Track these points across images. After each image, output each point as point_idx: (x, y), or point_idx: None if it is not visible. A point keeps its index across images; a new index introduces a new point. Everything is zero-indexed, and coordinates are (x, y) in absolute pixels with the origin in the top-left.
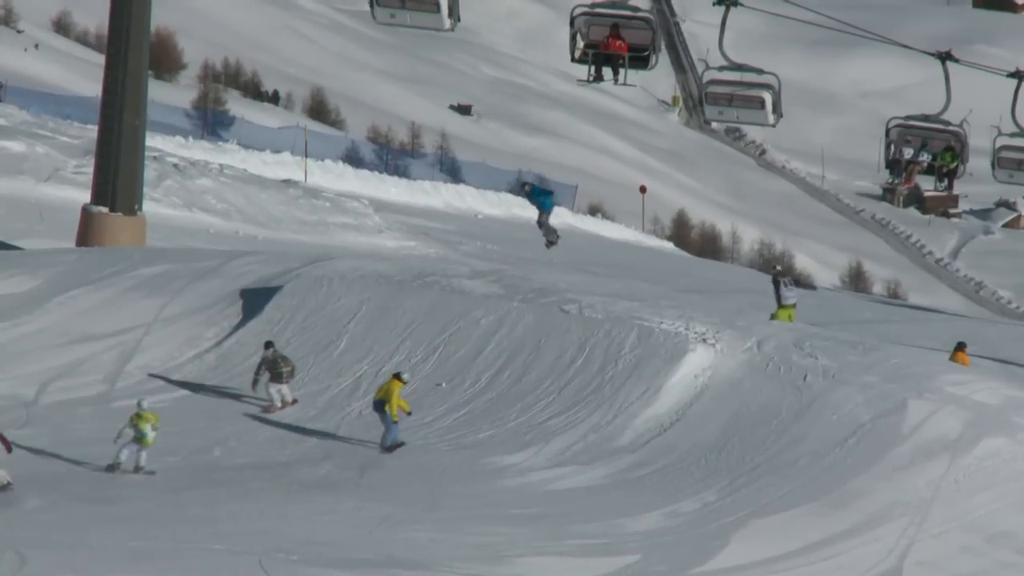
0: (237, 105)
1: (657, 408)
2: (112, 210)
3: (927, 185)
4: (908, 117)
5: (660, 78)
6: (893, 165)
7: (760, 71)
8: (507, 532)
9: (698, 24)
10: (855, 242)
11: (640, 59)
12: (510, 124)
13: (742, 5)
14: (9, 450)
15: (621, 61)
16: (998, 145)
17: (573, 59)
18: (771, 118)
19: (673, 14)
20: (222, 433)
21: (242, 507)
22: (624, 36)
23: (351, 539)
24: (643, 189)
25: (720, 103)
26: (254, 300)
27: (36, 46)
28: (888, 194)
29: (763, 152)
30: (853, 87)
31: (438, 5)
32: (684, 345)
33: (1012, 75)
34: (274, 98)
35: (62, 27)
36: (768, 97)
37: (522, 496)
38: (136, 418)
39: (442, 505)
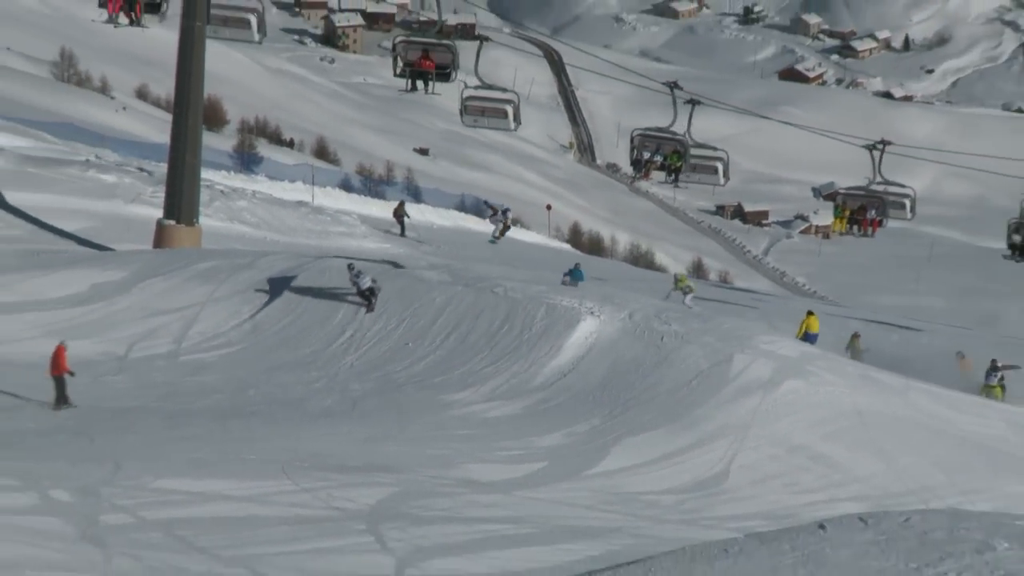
0: (264, 149)
1: (559, 360)
2: (177, 223)
3: (659, 178)
4: (647, 128)
5: (559, 128)
6: (636, 164)
7: (504, 89)
8: (455, 447)
9: (588, 92)
10: (696, 244)
11: (444, 75)
12: (457, 163)
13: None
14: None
15: (430, 76)
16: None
17: (395, 75)
18: (512, 125)
19: (570, 84)
20: (255, 379)
21: (269, 430)
22: (432, 57)
23: (345, 452)
24: (548, 207)
25: (475, 113)
26: (277, 285)
27: (124, 108)
28: (720, 210)
29: (633, 180)
30: (699, 135)
31: (507, 115)
32: (577, 316)
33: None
34: (290, 144)
35: (142, 95)
36: (510, 110)
37: (465, 422)
38: None
39: (409, 428)
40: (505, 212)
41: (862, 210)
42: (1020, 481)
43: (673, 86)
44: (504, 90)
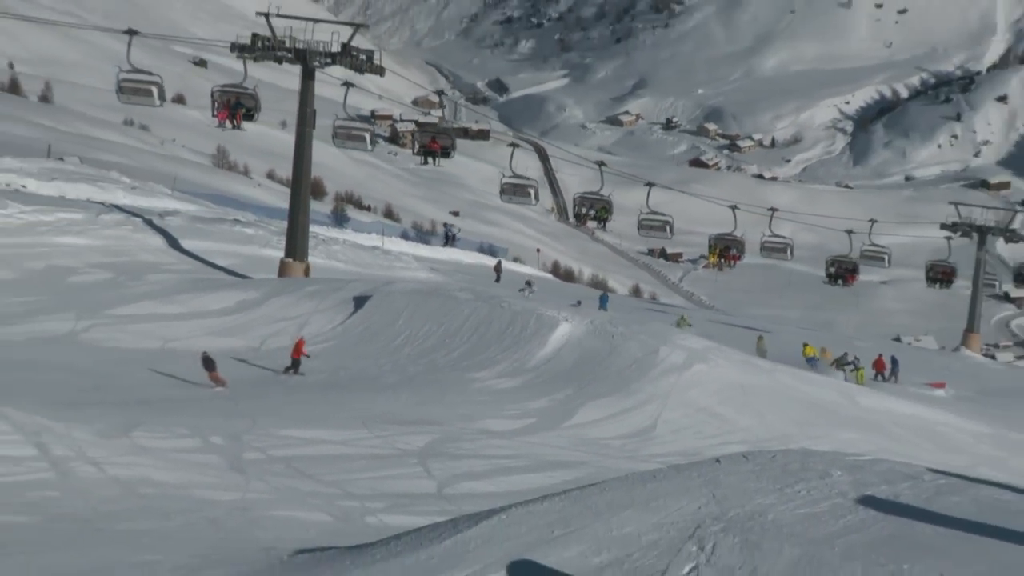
0: (351, 211)
1: (545, 351)
2: (294, 260)
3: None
4: (584, 192)
5: (545, 198)
6: (577, 216)
7: (528, 179)
8: (476, 408)
9: (563, 174)
10: (635, 274)
11: (446, 153)
12: (478, 221)
13: (517, 145)
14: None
15: (437, 153)
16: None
17: (415, 153)
18: (534, 201)
19: (551, 168)
20: (344, 363)
21: (354, 397)
22: (439, 140)
23: (403, 412)
24: (538, 250)
25: (509, 193)
26: (359, 302)
27: (259, 184)
28: (650, 252)
29: (593, 233)
30: (636, 202)
31: (530, 195)
32: (557, 322)
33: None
34: (368, 208)
35: (271, 176)
36: (532, 191)
37: (483, 392)
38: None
39: (446, 396)
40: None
41: (726, 249)
42: (848, 431)
43: (600, 164)
44: (528, 179)
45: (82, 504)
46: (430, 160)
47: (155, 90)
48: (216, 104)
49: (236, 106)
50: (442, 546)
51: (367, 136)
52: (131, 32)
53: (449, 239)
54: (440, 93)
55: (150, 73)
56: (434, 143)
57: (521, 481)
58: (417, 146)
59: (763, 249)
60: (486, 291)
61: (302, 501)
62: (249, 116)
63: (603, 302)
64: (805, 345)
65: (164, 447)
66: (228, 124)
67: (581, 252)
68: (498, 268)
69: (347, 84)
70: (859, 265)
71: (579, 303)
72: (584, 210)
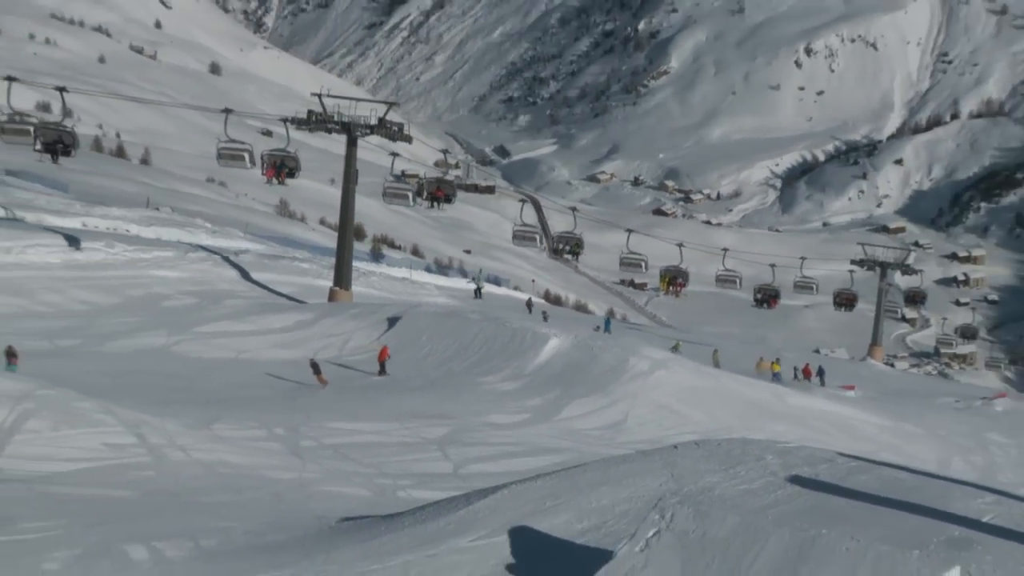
0: (386, 250)
1: (539, 360)
2: (340, 288)
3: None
4: (560, 232)
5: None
6: (554, 251)
7: (535, 226)
8: (484, 406)
9: (553, 220)
10: (610, 300)
11: (448, 199)
12: (486, 257)
13: (526, 201)
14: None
15: (441, 199)
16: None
17: (422, 198)
18: (540, 247)
19: (544, 216)
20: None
21: (388, 396)
22: (443, 189)
23: (427, 408)
24: (533, 281)
25: (519, 238)
26: (392, 322)
27: (313, 229)
28: (622, 282)
29: (576, 267)
30: (613, 244)
31: (535, 240)
32: (548, 337)
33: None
34: (399, 247)
35: (323, 222)
36: (538, 237)
37: (489, 392)
38: None
39: (461, 396)
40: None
41: (674, 278)
42: (778, 424)
43: (573, 209)
44: (535, 227)
45: (172, 481)
46: (435, 204)
47: (247, 156)
48: (265, 164)
49: (281, 166)
50: (457, 515)
51: (410, 195)
52: (227, 111)
53: (477, 293)
54: (445, 152)
55: (242, 143)
56: (439, 191)
57: (520, 463)
58: (425, 193)
59: (718, 280)
60: (492, 313)
61: (346, 479)
62: (291, 174)
63: (607, 325)
64: (761, 360)
65: (237, 436)
66: (274, 180)
67: (567, 282)
68: (529, 303)
69: (393, 155)
70: (779, 292)
71: (599, 328)
72: (561, 245)
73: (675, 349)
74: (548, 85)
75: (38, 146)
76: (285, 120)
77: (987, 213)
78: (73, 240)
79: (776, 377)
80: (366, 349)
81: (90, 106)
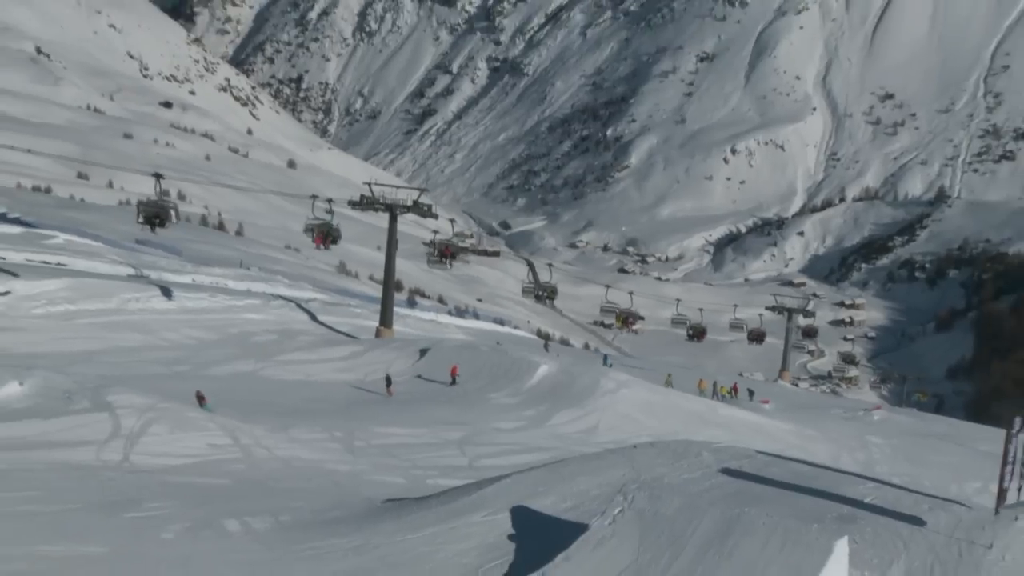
0: (418, 298)
1: (532, 381)
2: (384, 327)
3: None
4: (537, 283)
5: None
6: (536, 296)
7: (545, 284)
8: (492, 415)
9: (543, 278)
10: (586, 336)
11: (454, 256)
12: (493, 303)
13: (529, 263)
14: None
15: (449, 258)
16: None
17: (433, 256)
18: (449, 266)
19: (537, 275)
20: (411, 389)
21: (418, 408)
22: (450, 248)
23: (446, 417)
24: (528, 322)
25: (432, 263)
26: (423, 352)
27: (364, 283)
28: (596, 323)
29: (560, 312)
30: (591, 296)
31: (541, 296)
32: (539, 363)
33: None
34: (427, 296)
35: (372, 277)
36: (448, 263)
37: (495, 406)
38: None
39: (472, 409)
40: (547, 343)
41: (626, 318)
42: (712, 429)
43: (550, 264)
44: (545, 284)
45: (258, 472)
46: (443, 260)
47: (315, 229)
48: (314, 233)
49: (326, 235)
50: (471, 497)
51: (448, 263)
52: (314, 197)
53: (549, 348)
54: (452, 221)
55: (329, 221)
56: (447, 250)
57: (519, 459)
58: (436, 251)
59: (673, 322)
60: (498, 347)
61: (388, 471)
62: (334, 241)
63: (606, 360)
64: (701, 380)
65: (307, 438)
66: (321, 247)
67: (554, 323)
68: (546, 340)
69: (435, 232)
70: (706, 329)
71: (611, 364)
72: (540, 292)
73: (667, 383)
74: (539, 176)
75: (140, 219)
76: (329, 200)
77: (866, 272)
78: (185, 292)
79: (723, 398)
80: (404, 374)
81: (199, 192)
